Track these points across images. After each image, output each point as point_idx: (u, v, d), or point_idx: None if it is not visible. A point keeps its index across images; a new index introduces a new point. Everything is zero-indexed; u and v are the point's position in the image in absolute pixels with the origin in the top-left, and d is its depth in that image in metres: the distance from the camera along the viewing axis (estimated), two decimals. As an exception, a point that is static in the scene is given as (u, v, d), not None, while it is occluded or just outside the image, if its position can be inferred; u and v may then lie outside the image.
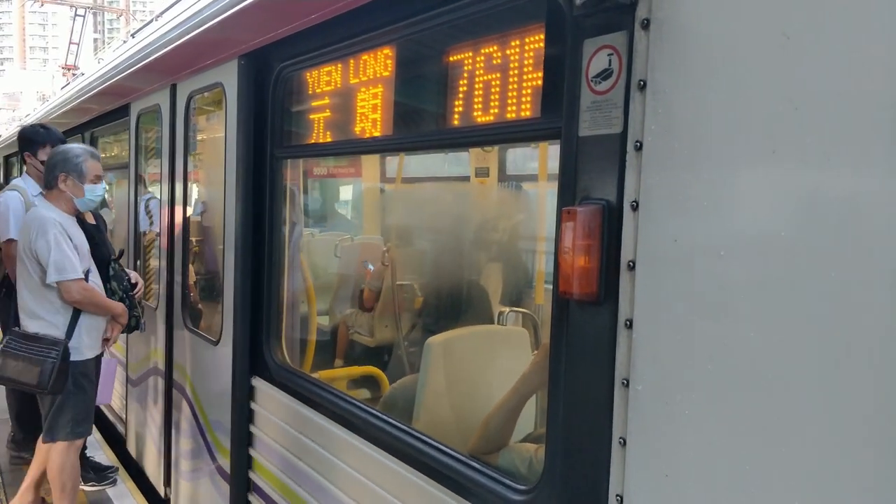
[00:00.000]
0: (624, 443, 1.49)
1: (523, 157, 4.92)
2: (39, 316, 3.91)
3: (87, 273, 3.99)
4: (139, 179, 5.54)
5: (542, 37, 1.86)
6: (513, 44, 1.94)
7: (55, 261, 3.80)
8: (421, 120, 2.58)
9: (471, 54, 2.09)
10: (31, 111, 14.56)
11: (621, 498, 1.50)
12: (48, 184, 4.07)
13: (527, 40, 1.91)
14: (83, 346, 3.99)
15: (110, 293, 4.19)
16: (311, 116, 2.96)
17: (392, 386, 3.47)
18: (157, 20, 5.62)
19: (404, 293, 4.75)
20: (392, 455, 2.34)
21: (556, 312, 1.68)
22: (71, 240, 3.91)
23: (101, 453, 5.49)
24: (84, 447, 4.52)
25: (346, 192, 6.96)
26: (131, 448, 5.47)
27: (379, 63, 2.54)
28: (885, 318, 1.09)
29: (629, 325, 1.48)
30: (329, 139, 2.91)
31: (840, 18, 1.15)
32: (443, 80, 2.22)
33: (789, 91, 1.21)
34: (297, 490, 2.93)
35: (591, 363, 1.58)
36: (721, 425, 1.31)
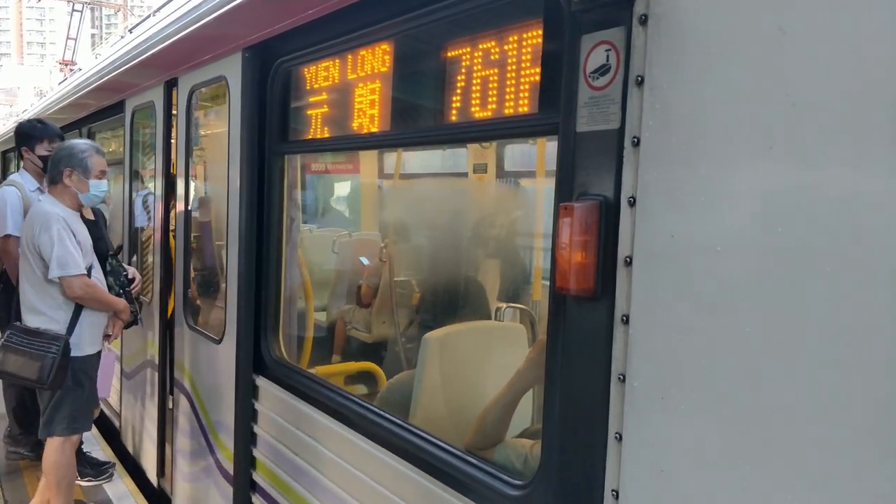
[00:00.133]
0: (620, 438, 1.50)
1: (521, 154, 4.92)
2: (41, 311, 3.92)
3: (89, 269, 3.99)
4: (136, 175, 5.53)
5: (540, 32, 1.86)
6: (511, 39, 1.94)
7: (58, 256, 3.80)
8: (419, 116, 2.57)
9: (468, 50, 2.09)
10: (29, 107, 14.53)
11: (617, 493, 1.51)
12: (52, 179, 4.07)
13: (524, 36, 1.90)
14: (84, 342, 3.99)
15: (107, 288, 4.19)
16: (309, 112, 2.96)
17: (389, 382, 3.46)
18: (154, 15, 5.61)
19: (402, 289, 4.75)
20: (391, 451, 2.34)
21: (553, 308, 1.68)
22: (74, 235, 3.90)
23: (98, 448, 5.50)
24: (80, 443, 4.52)
25: (343, 189, 6.95)
26: (126, 441, 5.47)
27: (377, 58, 2.53)
28: (881, 313, 1.09)
29: (626, 320, 1.48)
30: (327, 135, 2.90)
31: (837, 14, 1.15)
32: (441, 75, 2.21)
33: (787, 87, 1.21)
34: (302, 492, 2.90)
35: (587, 359, 1.58)
36: (717, 421, 1.31)
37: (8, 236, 4.64)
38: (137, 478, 5.05)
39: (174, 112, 4.53)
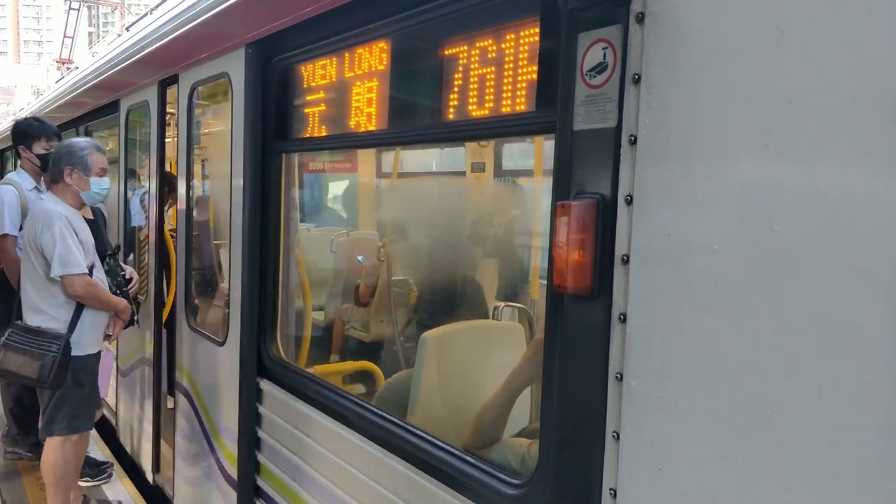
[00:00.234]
0: (617, 437, 1.49)
1: (519, 153, 4.92)
2: (42, 310, 3.91)
3: (91, 268, 3.98)
4: (132, 174, 5.52)
5: (537, 30, 1.86)
6: (508, 38, 1.93)
7: (60, 255, 3.79)
8: (416, 114, 2.57)
9: (465, 48, 2.08)
10: (26, 105, 14.51)
11: (615, 492, 1.50)
12: (54, 178, 4.06)
13: (521, 34, 1.90)
14: (85, 341, 3.98)
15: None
16: (307, 110, 2.95)
17: (387, 381, 3.45)
18: (151, 13, 5.60)
19: (400, 288, 4.74)
20: (394, 454, 2.33)
21: (551, 306, 1.68)
22: (76, 234, 3.90)
23: (97, 448, 5.49)
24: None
25: (341, 188, 6.94)
26: (123, 439, 5.46)
27: (374, 56, 2.52)
28: (878, 312, 1.09)
29: (623, 319, 1.48)
30: (324, 133, 2.89)
31: (834, 13, 1.15)
32: (438, 74, 2.21)
33: (783, 85, 1.20)
34: (307, 498, 2.86)
35: (584, 357, 1.58)
36: (714, 419, 1.31)
37: (5, 235, 4.63)
38: (135, 477, 5.04)
39: (170, 111, 4.52)
